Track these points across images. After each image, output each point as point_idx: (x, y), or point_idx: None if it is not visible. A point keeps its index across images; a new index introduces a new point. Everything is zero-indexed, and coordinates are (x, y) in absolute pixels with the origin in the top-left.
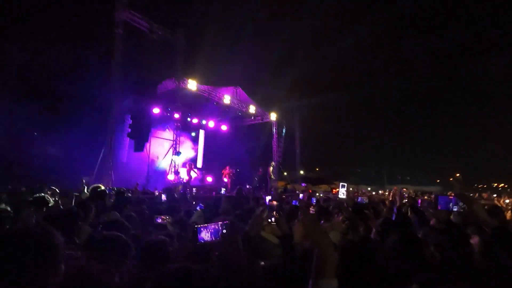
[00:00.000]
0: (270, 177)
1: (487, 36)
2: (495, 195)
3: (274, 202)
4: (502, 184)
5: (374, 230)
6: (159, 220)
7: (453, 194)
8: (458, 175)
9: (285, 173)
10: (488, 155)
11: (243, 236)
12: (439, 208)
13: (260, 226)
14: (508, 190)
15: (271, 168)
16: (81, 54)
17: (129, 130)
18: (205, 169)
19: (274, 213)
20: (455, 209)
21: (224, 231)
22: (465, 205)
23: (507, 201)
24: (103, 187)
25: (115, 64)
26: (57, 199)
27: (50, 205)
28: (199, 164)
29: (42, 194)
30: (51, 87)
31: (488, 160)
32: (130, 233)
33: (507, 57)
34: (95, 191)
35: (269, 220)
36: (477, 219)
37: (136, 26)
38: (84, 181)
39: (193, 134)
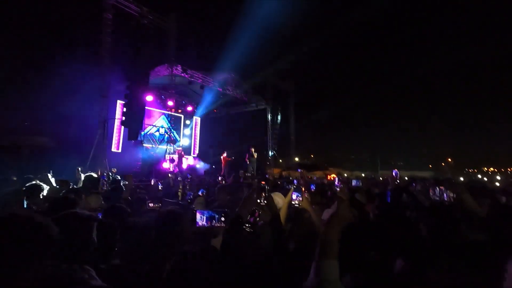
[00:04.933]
0: (250, 161)
1: (478, 25)
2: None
3: (263, 183)
4: (492, 168)
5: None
6: (151, 205)
7: (442, 187)
8: (449, 160)
9: (280, 160)
10: (479, 140)
11: (234, 218)
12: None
13: (250, 208)
14: (498, 174)
15: (252, 151)
16: (69, 41)
17: (123, 118)
18: (200, 157)
19: (263, 194)
20: (445, 198)
21: (223, 218)
22: (454, 194)
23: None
24: (95, 175)
25: (104, 51)
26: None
27: (45, 192)
28: (195, 151)
29: (34, 182)
30: (38, 77)
31: (479, 145)
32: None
33: (498, 46)
34: (88, 180)
35: (258, 201)
36: (466, 207)
37: (125, 10)
38: (79, 170)
39: (188, 122)
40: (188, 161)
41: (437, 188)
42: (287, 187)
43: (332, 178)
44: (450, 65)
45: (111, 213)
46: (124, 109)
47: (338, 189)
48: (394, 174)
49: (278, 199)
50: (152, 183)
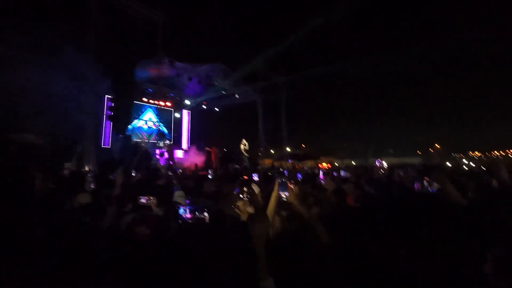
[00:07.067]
0: (243, 154)
1: (468, 9)
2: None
3: (246, 177)
4: (477, 153)
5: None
6: (143, 201)
7: (427, 179)
8: (437, 145)
9: (272, 151)
10: (464, 125)
11: (216, 214)
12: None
13: (232, 203)
14: (484, 158)
15: (242, 146)
16: (53, 34)
17: (110, 112)
18: (190, 150)
19: (245, 188)
20: (430, 190)
21: (206, 214)
22: (439, 186)
23: None
24: (82, 172)
25: (89, 43)
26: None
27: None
28: (184, 145)
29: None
30: (22, 71)
31: (464, 131)
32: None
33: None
34: (75, 177)
35: (241, 196)
36: (450, 198)
37: (111, 1)
38: (66, 166)
39: (177, 115)
40: (178, 154)
41: (424, 181)
42: (278, 179)
43: (323, 167)
44: (435, 54)
45: (90, 212)
46: (112, 104)
47: (322, 182)
48: (377, 163)
49: (254, 189)
50: (135, 176)
